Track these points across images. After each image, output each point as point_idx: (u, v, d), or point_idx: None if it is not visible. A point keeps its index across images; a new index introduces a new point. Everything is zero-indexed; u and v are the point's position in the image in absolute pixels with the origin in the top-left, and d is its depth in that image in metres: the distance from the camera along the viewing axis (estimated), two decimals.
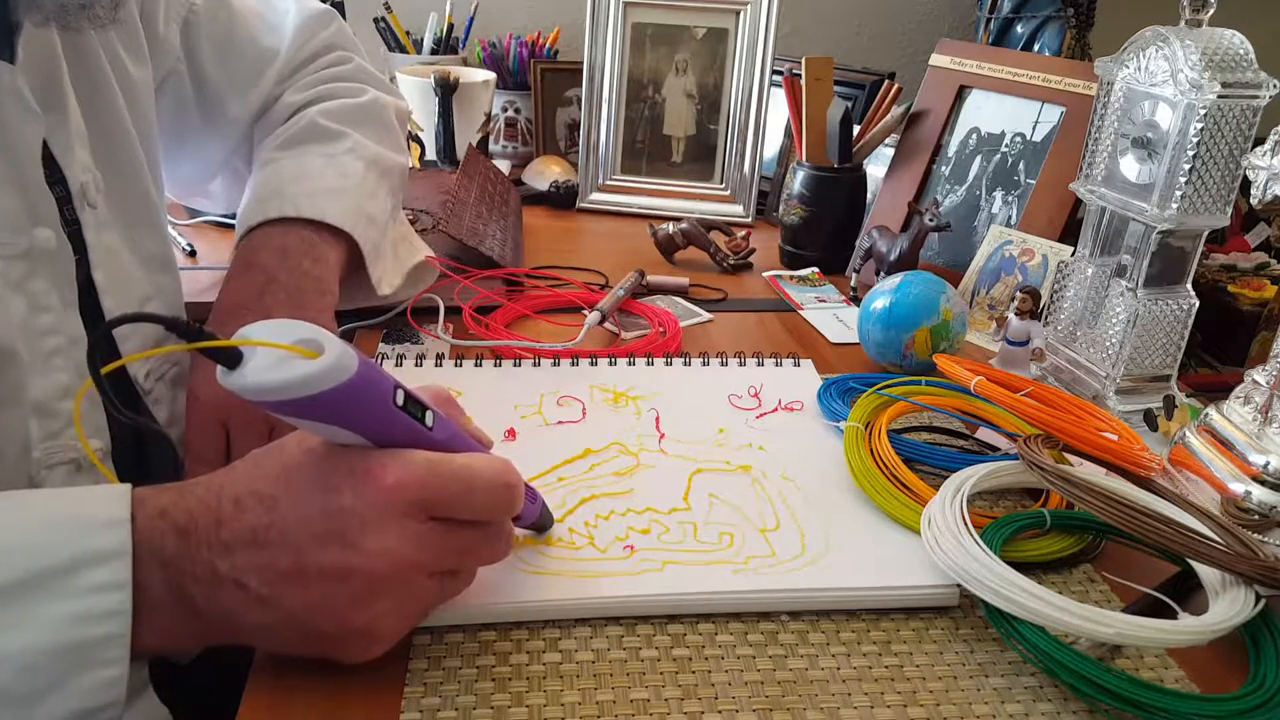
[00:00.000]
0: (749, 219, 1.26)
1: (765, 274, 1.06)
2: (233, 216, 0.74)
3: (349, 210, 0.72)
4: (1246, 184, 0.62)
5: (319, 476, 0.41)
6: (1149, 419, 0.73)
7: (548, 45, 1.49)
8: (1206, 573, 0.52)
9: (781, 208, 1.14)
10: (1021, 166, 0.97)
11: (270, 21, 0.81)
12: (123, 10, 0.54)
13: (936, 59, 1.07)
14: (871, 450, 0.62)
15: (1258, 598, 0.48)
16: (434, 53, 1.47)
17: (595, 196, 1.29)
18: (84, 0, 0.50)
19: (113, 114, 0.62)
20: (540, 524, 0.54)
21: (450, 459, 0.43)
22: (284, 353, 0.37)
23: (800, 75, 1.08)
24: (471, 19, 1.51)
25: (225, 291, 0.66)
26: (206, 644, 0.43)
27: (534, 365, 0.76)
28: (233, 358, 0.36)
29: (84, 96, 0.59)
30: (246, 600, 0.41)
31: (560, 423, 0.68)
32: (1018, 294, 0.78)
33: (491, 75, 1.37)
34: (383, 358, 0.77)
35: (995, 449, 0.69)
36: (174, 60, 0.72)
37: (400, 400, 0.41)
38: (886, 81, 1.14)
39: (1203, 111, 0.66)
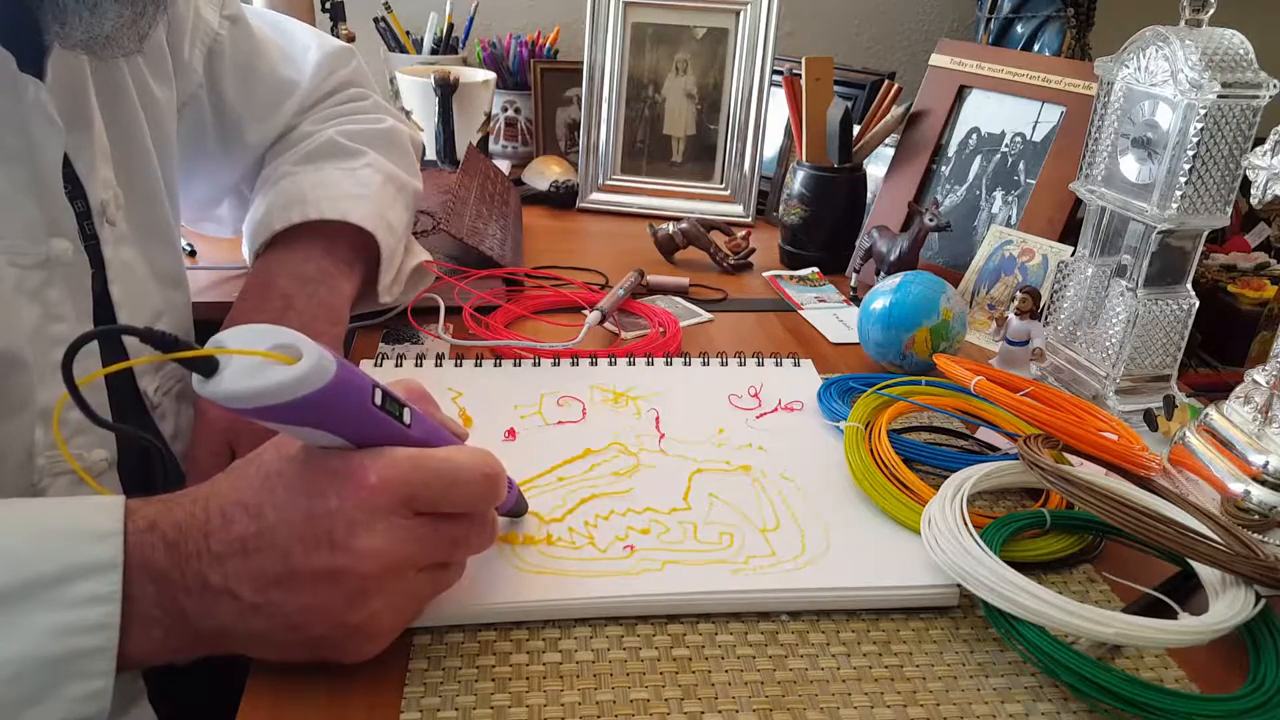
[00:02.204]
0: (749, 219, 1.26)
1: (765, 274, 1.06)
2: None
3: (371, 214, 0.74)
4: (1246, 184, 0.62)
5: (302, 481, 0.41)
6: (1149, 419, 0.73)
7: (548, 45, 1.49)
8: (1206, 573, 0.52)
9: (781, 208, 1.14)
10: (1021, 166, 0.97)
11: (291, 56, 0.83)
12: (148, 40, 0.55)
13: (936, 59, 1.07)
14: (871, 450, 0.62)
15: (1258, 598, 0.48)
16: (434, 53, 1.47)
17: (595, 196, 1.29)
18: (110, 33, 0.51)
19: (134, 133, 0.63)
20: (516, 510, 0.54)
21: (431, 454, 0.43)
22: (261, 359, 0.36)
23: (800, 75, 1.08)
24: (471, 19, 1.51)
25: (242, 310, 0.67)
26: (199, 655, 0.43)
27: (534, 365, 0.76)
28: (209, 366, 0.36)
29: (109, 116, 0.60)
30: (240, 610, 0.41)
31: (560, 423, 0.68)
32: (1018, 294, 0.78)
33: (491, 75, 1.37)
34: (383, 358, 0.77)
35: (995, 449, 0.69)
36: (196, 85, 0.74)
37: (379, 400, 0.41)
38: (886, 81, 1.14)
39: (1203, 111, 0.66)
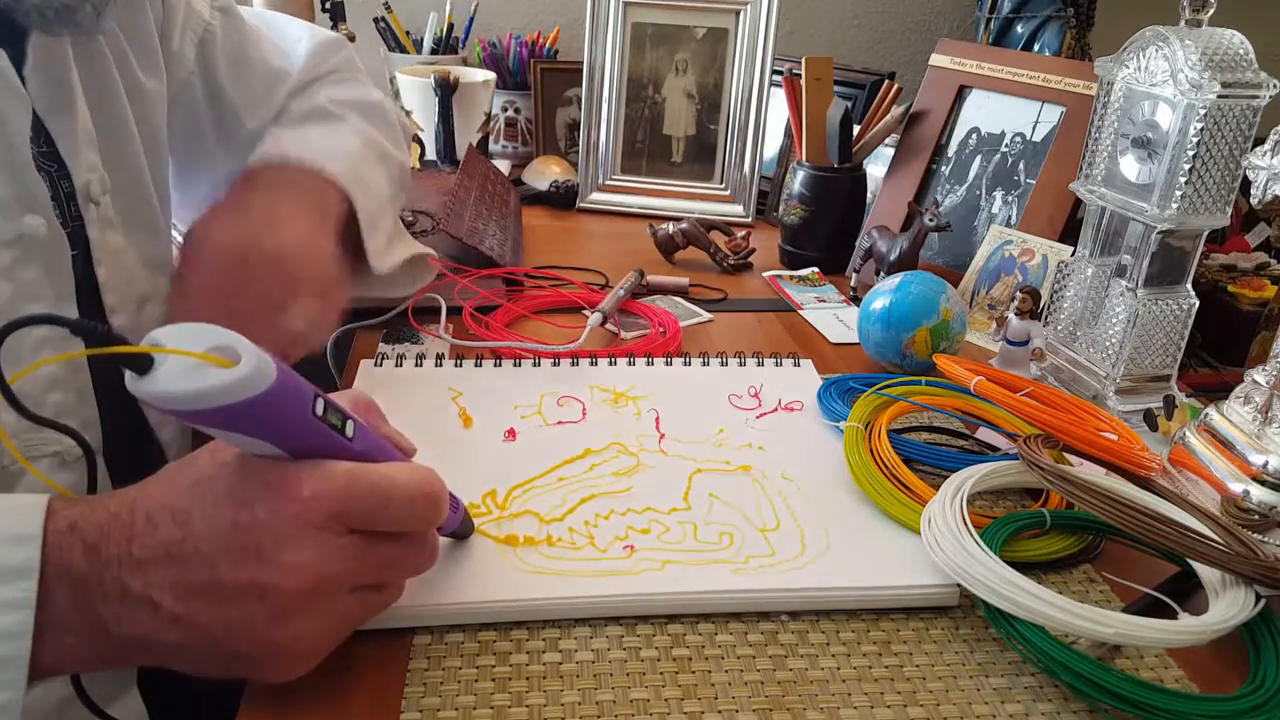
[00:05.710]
0: (749, 219, 1.26)
1: (765, 274, 1.06)
2: None
3: (347, 170, 0.72)
4: (1246, 184, 0.62)
5: (232, 490, 0.40)
6: (1149, 419, 0.73)
7: (548, 45, 1.49)
8: (1206, 573, 0.52)
9: (781, 208, 1.14)
10: (1021, 166, 0.97)
11: (283, 47, 0.83)
12: (106, 21, 0.54)
13: (936, 59, 1.07)
14: (871, 450, 0.62)
15: (1258, 598, 0.48)
16: (434, 53, 1.47)
17: (595, 196, 1.29)
18: (62, 6, 0.50)
19: (120, 121, 0.62)
20: (460, 532, 0.53)
21: (370, 469, 0.41)
22: (198, 360, 0.34)
23: (800, 75, 1.08)
24: (471, 19, 1.51)
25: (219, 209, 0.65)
26: (118, 666, 0.41)
27: (534, 365, 0.76)
28: (143, 363, 0.34)
29: (93, 103, 0.60)
30: (159, 620, 0.39)
31: (560, 423, 0.68)
32: (1018, 294, 0.78)
33: (491, 75, 1.37)
34: (383, 358, 0.77)
35: (995, 449, 0.69)
36: (187, 74, 0.73)
37: (320, 410, 0.39)
38: (886, 81, 1.14)
39: (1203, 111, 0.66)
